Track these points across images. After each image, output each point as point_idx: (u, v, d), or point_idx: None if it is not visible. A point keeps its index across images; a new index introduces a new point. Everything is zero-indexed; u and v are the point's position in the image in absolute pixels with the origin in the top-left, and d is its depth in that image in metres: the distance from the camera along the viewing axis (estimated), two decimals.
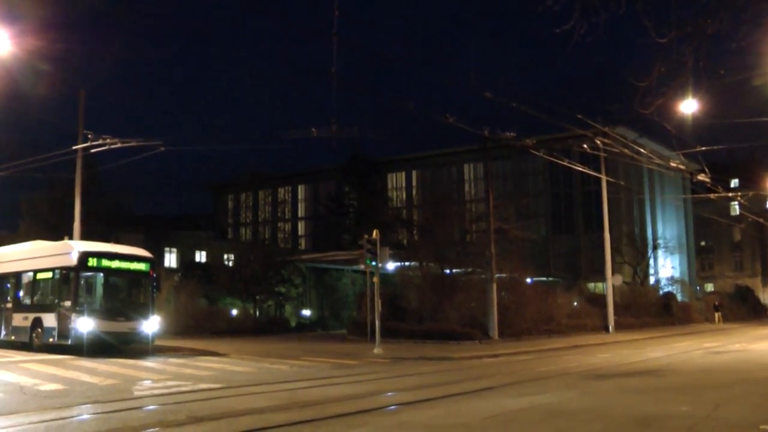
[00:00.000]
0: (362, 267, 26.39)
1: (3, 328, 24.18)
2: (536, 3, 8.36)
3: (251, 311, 44.48)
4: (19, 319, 23.37)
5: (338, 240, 63.94)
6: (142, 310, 22.37)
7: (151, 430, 9.03)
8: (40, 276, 23.54)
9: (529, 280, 38.58)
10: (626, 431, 9.05)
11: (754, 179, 50.25)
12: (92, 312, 21.23)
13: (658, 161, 30.19)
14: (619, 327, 37.93)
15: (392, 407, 11.52)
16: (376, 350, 23.34)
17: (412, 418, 10.11)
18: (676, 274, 62.06)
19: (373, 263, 24.19)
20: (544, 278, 49.30)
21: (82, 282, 21.70)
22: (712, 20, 8.51)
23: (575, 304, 40.23)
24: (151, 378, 15.22)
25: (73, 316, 20.81)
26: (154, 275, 23.35)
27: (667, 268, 61.08)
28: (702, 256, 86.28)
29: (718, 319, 50.42)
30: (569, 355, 23.45)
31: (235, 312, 42.66)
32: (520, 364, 20.17)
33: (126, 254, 22.86)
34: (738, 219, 69.31)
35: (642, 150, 27.94)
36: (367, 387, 14.30)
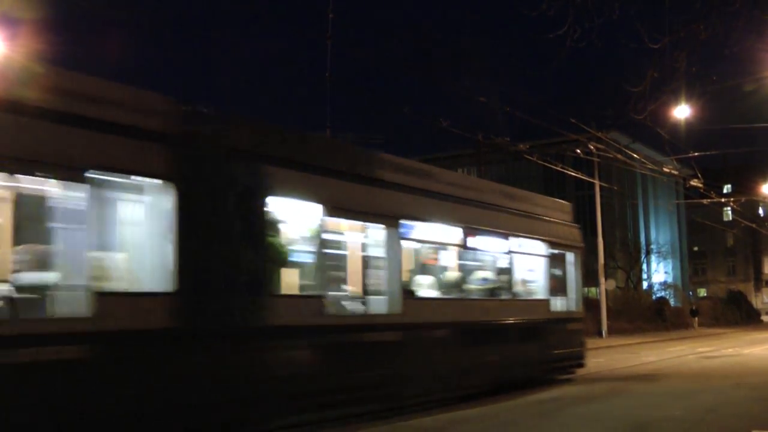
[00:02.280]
0: None
1: None
2: (531, 8, 8.40)
3: None
4: None
5: None
6: None
7: None
8: None
9: None
10: None
11: (746, 185, 50.43)
12: None
13: (651, 166, 30.27)
14: (612, 331, 37.96)
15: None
16: None
17: (404, 425, 10.10)
18: (669, 279, 62.14)
19: None
20: None
21: None
22: (705, 26, 8.56)
23: None
24: None
25: None
26: None
27: (660, 273, 61.21)
28: (695, 261, 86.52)
29: (695, 324, 50.16)
30: None
31: None
32: None
33: None
34: (731, 224, 69.52)
35: (635, 155, 28.04)
36: None
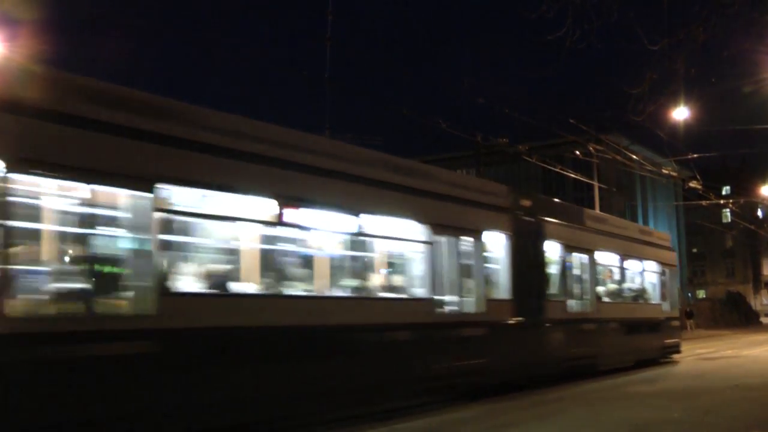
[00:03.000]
0: None
1: None
2: (530, 10, 8.41)
3: None
4: None
5: None
6: None
7: None
8: None
9: None
10: None
11: (745, 186, 50.46)
12: None
13: (650, 168, 30.30)
14: None
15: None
16: None
17: (402, 427, 10.09)
18: None
19: None
20: None
21: None
22: (704, 28, 8.57)
23: None
24: None
25: None
26: None
27: None
28: (694, 262, 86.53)
29: (691, 327, 49.57)
30: None
31: None
32: None
33: None
34: (730, 226, 69.58)
35: (634, 156, 28.09)
36: None
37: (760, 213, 74.73)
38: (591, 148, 27.67)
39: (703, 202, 38.80)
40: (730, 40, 8.86)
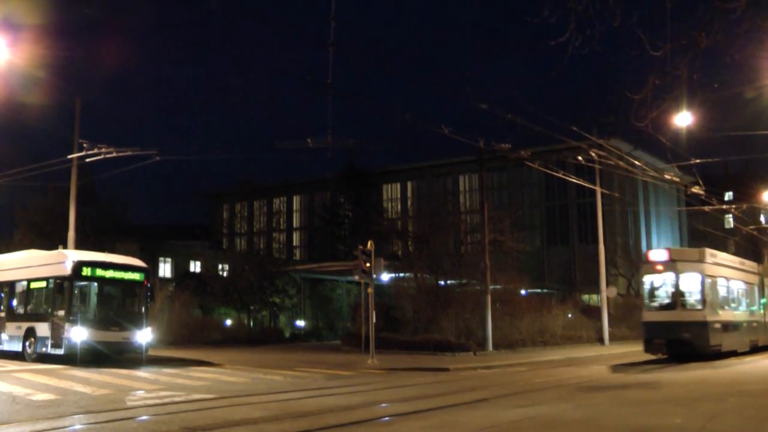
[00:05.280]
0: (357, 278, 26.33)
1: None
2: (532, 15, 8.40)
3: (245, 321, 44.34)
4: (12, 329, 23.30)
5: (333, 251, 63.80)
6: (135, 319, 22.33)
7: None
8: (33, 285, 23.46)
9: (523, 291, 38.53)
10: None
11: (748, 192, 50.36)
12: (86, 321, 21.19)
13: (652, 173, 30.30)
14: (614, 338, 37.89)
15: (386, 418, 11.49)
16: (371, 361, 23.28)
17: (406, 429, 10.08)
18: None
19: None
20: (539, 290, 49.26)
21: (76, 291, 21.61)
22: (707, 33, 8.55)
23: (570, 315, 40.14)
24: (144, 388, 15.17)
25: (67, 325, 20.77)
26: (149, 285, 23.37)
27: None
28: None
29: None
30: (564, 367, 23.42)
31: (229, 322, 42.54)
32: (514, 376, 20.13)
33: (120, 264, 22.82)
34: (732, 232, 69.37)
35: (637, 162, 28.07)
36: (361, 398, 14.26)
37: (762, 219, 74.54)
38: (593, 154, 27.66)
39: (706, 208, 38.68)
40: (732, 46, 8.82)
